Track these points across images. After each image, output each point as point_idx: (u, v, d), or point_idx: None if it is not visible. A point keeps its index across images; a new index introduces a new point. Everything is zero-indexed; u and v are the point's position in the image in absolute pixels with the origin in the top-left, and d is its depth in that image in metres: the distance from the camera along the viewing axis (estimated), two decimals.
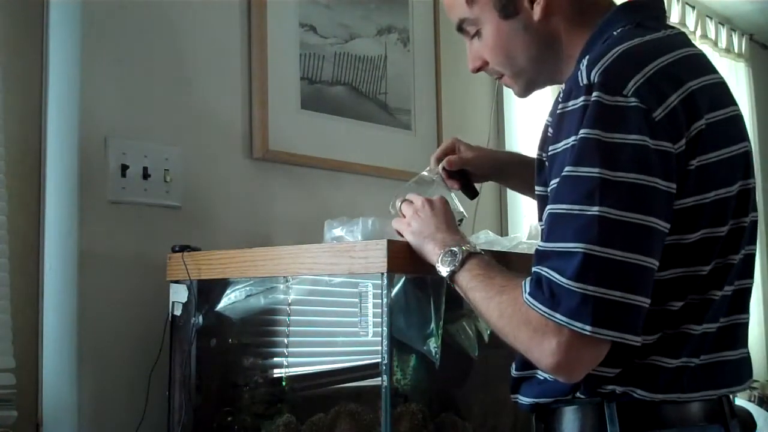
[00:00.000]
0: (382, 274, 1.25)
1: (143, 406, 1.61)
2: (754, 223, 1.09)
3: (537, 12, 1.12)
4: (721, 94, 1.07)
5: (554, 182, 0.99)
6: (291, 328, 1.71)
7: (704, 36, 3.70)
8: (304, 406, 1.62)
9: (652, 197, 0.94)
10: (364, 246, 1.28)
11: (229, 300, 1.62)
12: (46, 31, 1.66)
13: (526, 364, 1.08)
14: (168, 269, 1.60)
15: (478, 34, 1.20)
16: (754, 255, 1.10)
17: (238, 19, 1.93)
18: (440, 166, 1.43)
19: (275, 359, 1.75)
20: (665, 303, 1.00)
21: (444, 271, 1.13)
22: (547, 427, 1.10)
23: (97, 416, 1.61)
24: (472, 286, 1.08)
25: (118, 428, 1.61)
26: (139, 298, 1.67)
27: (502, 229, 2.58)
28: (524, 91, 1.24)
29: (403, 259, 1.24)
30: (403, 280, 1.36)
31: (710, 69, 1.08)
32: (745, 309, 1.10)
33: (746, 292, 1.10)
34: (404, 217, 1.27)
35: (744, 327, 1.10)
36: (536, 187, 1.08)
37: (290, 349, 1.71)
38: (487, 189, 2.46)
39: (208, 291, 1.61)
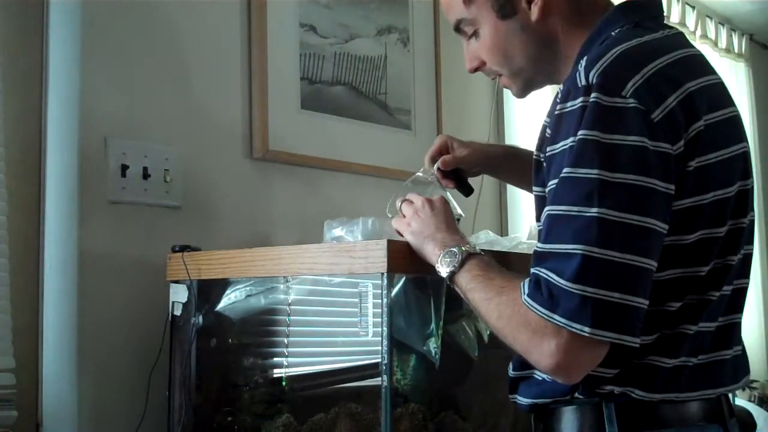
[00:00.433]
0: (382, 274, 1.25)
1: (143, 406, 1.61)
2: (752, 223, 1.09)
3: (534, 12, 1.12)
4: (719, 95, 1.07)
5: (552, 183, 0.98)
6: (291, 328, 1.71)
7: (704, 36, 3.70)
8: (304, 406, 1.62)
9: (651, 198, 0.94)
10: (364, 246, 1.28)
11: (229, 300, 1.62)
12: (46, 31, 1.65)
13: (524, 364, 1.08)
14: (168, 269, 1.60)
15: (475, 34, 1.20)
16: (751, 255, 1.11)
17: (238, 19, 1.93)
18: (435, 167, 1.43)
19: (275, 359, 1.75)
20: (663, 303, 1.00)
21: (444, 271, 1.13)
22: (546, 427, 1.10)
23: (97, 416, 1.61)
24: (472, 287, 1.08)
25: (118, 428, 1.61)
26: (139, 298, 1.67)
27: (502, 229, 2.58)
28: (522, 92, 1.24)
29: (403, 259, 1.24)
30: (403, 280, 1.37)
31: (708, 70, 1.08)
32: (741, 308, 1.10)
33: (744, 292, 1.10)
34: (404, 217, 1.27)
35: (739, 325, 1.11)
36: (534, 188, 1.08)
37: (290, 349, 1.71)
38: (487, 189, 2.47)
39: (208, 291, 1.61)
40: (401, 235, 1.27)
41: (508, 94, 2.60)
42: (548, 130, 1.02)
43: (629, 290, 0.92)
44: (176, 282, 1.59)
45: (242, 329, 1.71)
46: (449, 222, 1.23)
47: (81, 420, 1.58)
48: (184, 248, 1.58)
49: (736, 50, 3.96)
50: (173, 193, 1.76)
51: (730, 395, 1.11)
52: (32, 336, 1.60)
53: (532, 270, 0.98)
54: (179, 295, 1.58)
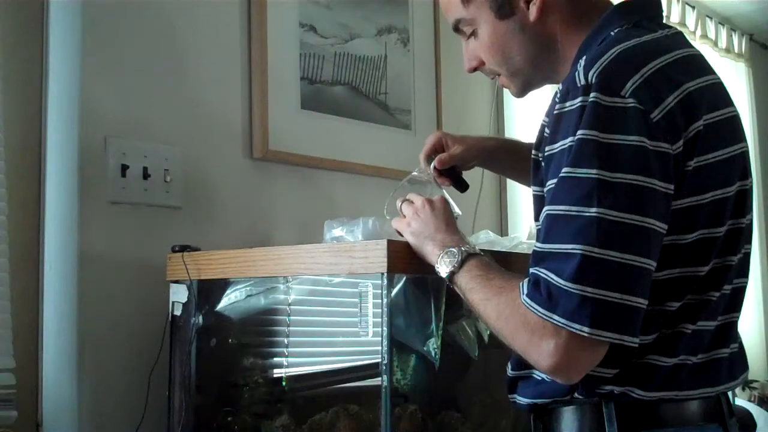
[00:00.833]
0: (382, 274, 1.25)
1: (143, 406, 1.61)
2: (750, 224, 1.09)
3: (533, 12, 1.12)
4: (718, 94, 1.07)
5: (551, 183, 0.98)
6: (291, 328, 1.71)
7: (704, 36, 3.70)
8: (304, 406, 1.62)
9: (650, 198, 0.94)
10: (364, 246, 1.28)
11: (229, 300, 1.62)
12: (46, 31, 1.66)
13: (522, 364, 1.08)
14: (168, 269, 1.60)
15: (474, 34, 1.20)
16: (750, 254, 1.11)
17: (238, 19, 1.93)
18: (432, 166, 1.43)
19: (275, 359, 1.75)
20: (663, 303, 1.00)
21: (443, 271, 1.13)
22: (545, 427, 1.10)
23: (97, 416, 1.61)
24: (471, 287, 1.09)
25: (118, 428, 1.61)
26: (139, 298, 1.67)
27: (502, 229, 2.58)
28: (520, 91, 1.24)
29: (403, 259, 1.25)
30: (403, 280, 1.37)
31: (707, 69, 1.08)
32: (740, 307, 1.10)
33: (743, 291, 1.10)
34: (404, 217, 1.27)
35: (737, 324, 1.11)
36: (532, 188, 1.08)
37: (290, 349, 1.71)
38: (487, 189, 2.47)
39: (208, 291, 1.61)
40: (401, 235, 1.27)
41: (508, 93, 2.59)
42: (547, 130, 1.02)
43: (628, 290, 0.92)
44: (176, 282, 1.59)
45: (242, 329, 1.71)
46: (449, 222, 1.23)
47: (81, 420, 1.58)
48: (184, 248, 1.58)
49: (736, 50, 3.96)
50: (173, 193, 1.76)
51: (730, 394, 1.11)
52: (32, 336, 1.60)
53: (531, 270, 0.98)
54: (179, 295, 1.58)
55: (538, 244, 0.98)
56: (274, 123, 1.95)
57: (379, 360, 1.26)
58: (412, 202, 1.28)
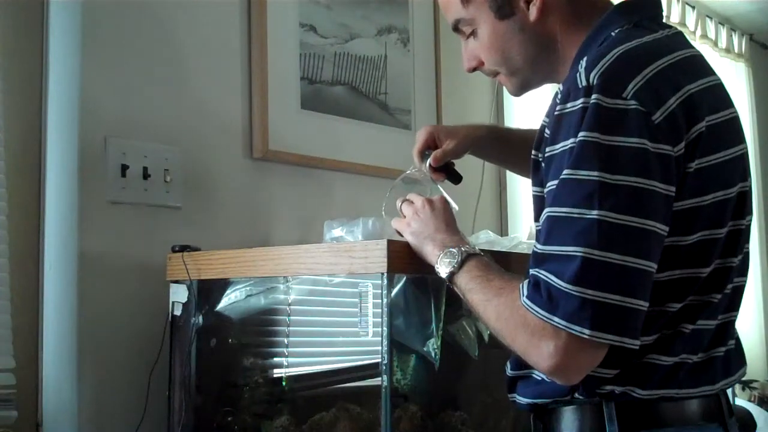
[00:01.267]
0: (382, 274, 1.25)
1: (143, 406, 1.61)
2: (750, 224, 1.09)
3: (533, 12, 1.12)
4: (719, 96, 1.07)
5: (552, 184, 0.98)
6: (291, 328, 1.71)
7: (704, 36, 3.70)
8: (304, 406, 1.62)
9: (652, 200, 0.94)
10: (364, 246, 1.28)
11: (229, 300, 1.62)
12: (46, 31, 1.66)
13: (521, 364, 1.08)
14: (168, 269, 1.60)
15: (473, 33, 1.19)
16: (749, 252, 1.11)
17: (238, 19, 1.93)
18: (426, 164, 1.42)
19: (275, 359, 1.75)
20: (664, 304, 1.00)
21: (443, 272, 1.13)
22: (545, 427, 1.10)
23: (97, 416, 1.61)
24: (471, 288, 1.09)
25: (118, 428, 1.61)
26: (139, 298, 1.67)
27: (502, 229, 2.58)
28: (519, 90, 1.24)
29: (403, 259, 1.25)
30: (403, 280, 1.37)
31: (708, 71, 1.07)
32: (739, 306, 1.11)
33: (742, 290, 1.11)
34: (404, 217, 1.27)
35: (735, 322, 1.11)
36: (532, 188, 1.08)
37: (290, 349, 1.71)
38: (487, 189, 2.47)
39: (208, 291, 1.61)
40: (401, 235, 1.27)
41: (508, 94, 2.60)
42: (547, 131, 1.02)
43: (629, 292, 0.92)
44: (176, 282, 1.59)
45: (242, 329, 1.71)
46: (449, 222, 1.23)
47: (81, 420, 1.58)
48: (184, 248, 1.58)
49: (736, 50, 3.96)
50: (173, 193, 1.76)
51: (730, 394, 1.12)
52: (32, 336, 1.60)
53: (531, 271, 0.98)
54: (179, 295, 1.58)
55: (539, 246, 0.98)
56: (274, 123, 1.95)
57: (379, 360, 1.26)
58: (412, 203, 1.28)
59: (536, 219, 1.06)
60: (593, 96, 0.95)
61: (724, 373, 1.07)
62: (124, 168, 1.68)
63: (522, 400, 1.11)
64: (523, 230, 2.52)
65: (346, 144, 2.13)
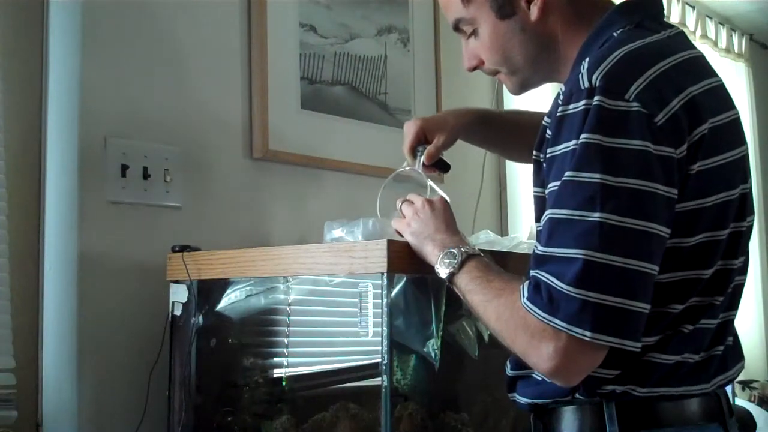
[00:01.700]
0: (382, 274, 1.25)
1: (143, 406, 1.61)
2: (751, 225, 1.09)
3: (534, 12, 1.12)
4: (721, 97, 1.07)
5: (553, 185, 0.98)
6: (291, 328, 1.71)
7: (704, 36, 3.70)
8: (304, 406, 1.62)
9: (654, 203, 0.94)
10: (364, 246, 1.28)
11: (229, 300, 1.62)
12: (46, 31, 1.66)
13: (521, 364, 1.08)
14: (168, 269, 1.60)
15: (474, 33, 1.19)
16: (749, 252, 1.11)
17: (238, 19, 1.93)
18: (420, 162, 1.42)
19: (275, 359, 1.75)
20: (666, 305, 1.00)
21: (443, 272, 1.13)
22: (546, 426, 1.10)
23: (97, 416, 1.61)
24: (470, 289, 1.09)
25: (118, 428, 1.61)
26: (139, 298, 1.67)
27: (502, 229, 2.58)
28: (519, 89, 1.23)
29: (403, 259, 1.24)
30: (403, 281, 1.36)
31: (710, 72, 1.07)
32: (738, 304, 1.11)
33: (741, 288, 1.11)
34: (404, 217, 1.27)
35: (734, 320, 1.11)
36: (533, 188, 1.08)
37: (290, 349, 1.71)
38: (487, 189, 2.47)
39: (208, 291, 1.61)
40: (401, 236, 1.27)
41: (508, 94, 2.60)
42: (549, 131, 1.02)
43: (631, 295, 0.92)
44: (176, 282, 1.59)
45: (242, 329, 1.71)
46: (449, 223, 1.23)
47: (81, 420, 1.58)
48: (184, 248, 1.58)
49: (736, 50, 3.97)
50: (173, 193, 1.76)
51: (729, 393, 1.12)
52: (32, 336, 1.60)
53: (532, 272, 0.98)
54: (179, 295, 1.58)
55: (540, 247, 0.98)
56: (274, 123, 1.95)
57: (379, 360, 1.26)
58: (412, 203, 1.28)
59: (537, 219, 1.06)
60: (596, 98, 0.95)
61: (721, 369, 1.07)
62: (124, 168, 1.68)
63: (522, 400, 1.11)
64: (523, 230, 2.52)
65: (346, 144, 2.12)
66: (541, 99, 2.47)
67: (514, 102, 2.64)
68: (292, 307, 1.70)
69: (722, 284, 1.04)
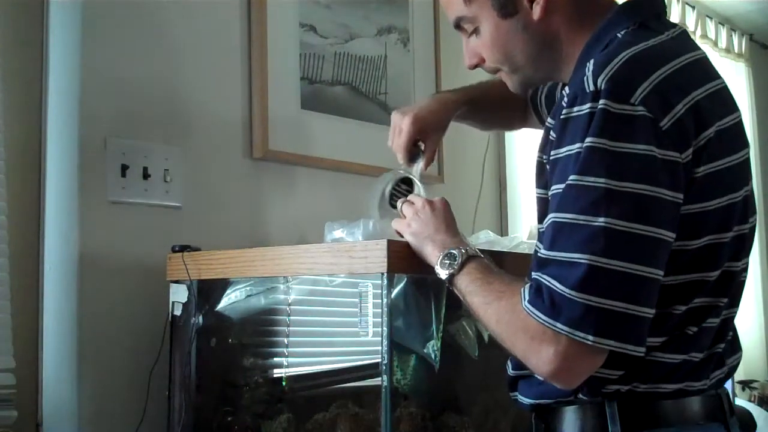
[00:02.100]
0: (382, 274, 1.25)
1: (143, 406, 1.61)
2: (754, 226, 1.09)
3: (537, 11, 1.11)
4: (725, 100, 1.06)
5: (557, 188, 0.98)
6: (291, 328, 1.71)
7: (704, 36, 3.71)
8: (304, 406, 1.62)
9: (658, 208, 0.94)
10: (364, 246, 1.28)
11: (229, 300, 1.62)
12: (46, 31, 1.66)
13: (522, 364, 1.08)
14: (168, 269, 1.60)
15: (476, 31, 1.18)
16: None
17: (238, 19, 1.93)
18: (419, 170, 1.41)
19: (275, 359, 1.75)
20: (670, 307, 1.00)
21: (443, 274, 1.13)
22: (547, 426, 1.10)
23: (97, 416, 1.61)
24: (471, 290, 1.08)
25: (118, 428, 1.61)
26: (139, 298, 1.67)
27: (502, 229, 2.58)
28: (520, 87, 1.22)
29: (404, 259, 1.24)
30: (404, 281, 1.36)
31: (713, 74, 1.07)
32: (739, 302, 1.11)
33: (743, 286, 1.11)
34: (405, 217, 1.27)
35: (734, 318, 1.11)
36: (536, 190, 1.08)
37: (290, 349, 1.71)
38: (487, 189, 2.47)
39: (208, 291, 1.61)
40: (401, 236, 1.27)
41: None
42: (552, 133, 1.02)
43: (634, 300, 0.92)
44: (176, 282, 1.59)
45: (242, 329, 1.71)
46: (449, 223, 1.23)
47: (81, 420, 1.58)
48: (184, 248, 1.58)
49: (736, 50, 3.97)
50: (173, 193, 1.76)
51: (729, 391, 1.12)
52: (32, 336, 1.60)
53: (534, 275, 0.98)
54: (179, 295, 1.58)
55: (543, 251, 0.97)
56: (274, 123, 1.95)
57: (379, 360, 1.26)
58: (412, 203, 1.28)
59: (540, 221, 1.06)
60: (601, 101, 0.95)
61: (720, 365, 1.08)
62: (124, 168, 1.68)
63: (524, 400, 1.11)
64: (523, 230, 2.52)
65: (346, 144, 2.12)
66: None
67: None
68: (292, 307, 1.70)
69: (727, 286, 1.04)
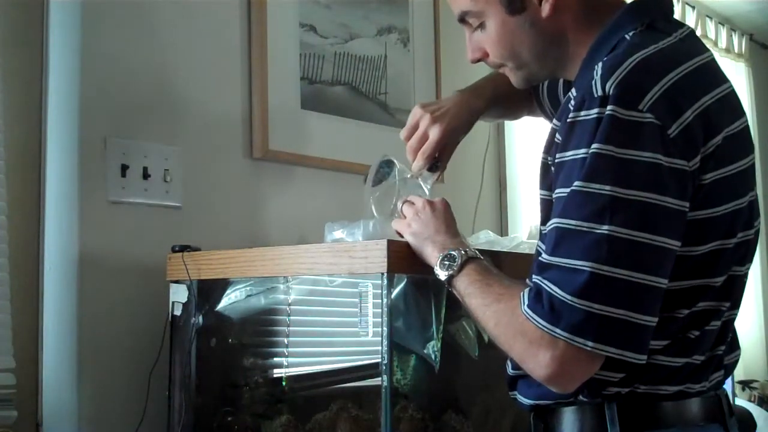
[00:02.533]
0: (382, 274, 1.25)
1: (143, 406, 1.61)
2: (757, 231, 1.09)
3: (546, 9, 1.09)
4: (733, 105, 1.06)
5: (561, 191, 0.98)
6: (291, 328, 1.71)
7: (704, 36, 3.70)
8: (304, 406, 1.62)
9: (664, 217, 0.93)
10: (364, 246, 1.28)
11: (229, 300, 1.62)
12: (46, 31, 1.65)
13: None
14: (168, 269, 1.60)
15: (481, 26, 1.16)
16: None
17: (238, 19, 1.93)
18: (432, 181, 1.40)
19: (275, 359, 1.75)
20: (673, 311, 1.00)
21: (442, 275, 1.13)
22: (546, 426, 1.10)
23: (97, 416, 1.61)
24: (470, 292, 1.08)
25: (118, 428, 1.61)
26: (139, 298, 1.67)
27: (502, 229, 2.58)
28: (524, 83, 1.21)
29: (404, 259, 1.24)
30: (404, 282, 1.36)
31: (722, 78, 1.07)
32: (740, 304, 1.11)
33: (744, 288, 1.11)
34: (405, 217, 1.27)
35: (735, 319, 1.11)
36: (540, 191, 1.08)
37: (290, 349, 1.71)
38: (487, 189, 2.47)
39: (208, 291, 1.61)
40: (401, 236, 1.26)
41: None
42: (558, 136, 1.01)
43: (636, 308, 0.92)
44: (176, 282, 1.59)
45: (242, 329, 1.71)
46: (450, 224, 1.23)
47: (81, 420, 1.58)
48: (184, 248, 1.58)
49: (736, 50, 3.97)
50: (173, 193, 1.76)
51: (729, 392, 1.12)
52: (32, 336, 1.60)
53: (534, 279, 0.97)
54: (179, 295, 1.58)
55: (545, 255, 0.97)
56: (274, 123, 1.95)
57: (379, 360, 1.26)
58: (413, 203, 1.27)
59: (543, 223, 1.06)
60: (609, 107, 0.94)
61: (719, 366, 1.08)
62: (124, 168, 1.68)
63: (524, 400, 1.11)
64: (523, 230, 2.51)
65: (346, 144, 2.12)
66: None
67: None
68: (292, 307, 1.70)
69: (730, 290, 1.04)
